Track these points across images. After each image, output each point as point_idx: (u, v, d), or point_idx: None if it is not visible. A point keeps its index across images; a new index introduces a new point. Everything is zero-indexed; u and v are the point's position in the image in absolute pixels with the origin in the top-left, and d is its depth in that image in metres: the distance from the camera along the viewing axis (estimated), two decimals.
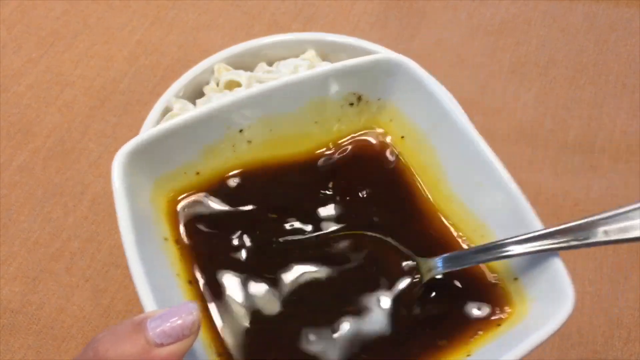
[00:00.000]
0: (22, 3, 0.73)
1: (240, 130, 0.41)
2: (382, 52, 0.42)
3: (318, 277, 0.37)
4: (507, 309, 0.36)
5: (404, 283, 0.37)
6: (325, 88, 0.42)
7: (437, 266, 0.37)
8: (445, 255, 0.37)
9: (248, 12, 0.73)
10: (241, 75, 0.58)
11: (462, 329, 0.36)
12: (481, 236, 0.39)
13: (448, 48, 0.71)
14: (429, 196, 0.41)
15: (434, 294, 0.37)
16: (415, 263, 0.38)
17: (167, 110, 0.57)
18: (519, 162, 0.62)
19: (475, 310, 0.37)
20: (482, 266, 0.38)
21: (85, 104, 0.66)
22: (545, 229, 0.35)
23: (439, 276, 0.37)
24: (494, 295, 0.37)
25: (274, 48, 0.61)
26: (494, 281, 0.38)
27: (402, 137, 0.43)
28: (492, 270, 0.38)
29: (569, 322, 0.54)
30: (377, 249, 0.38)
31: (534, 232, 0.35)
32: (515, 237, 0.35)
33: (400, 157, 0.43)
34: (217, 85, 0.59)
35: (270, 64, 0.61)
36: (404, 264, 0.38)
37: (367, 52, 0.61)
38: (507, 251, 0.35)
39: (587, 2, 0.75)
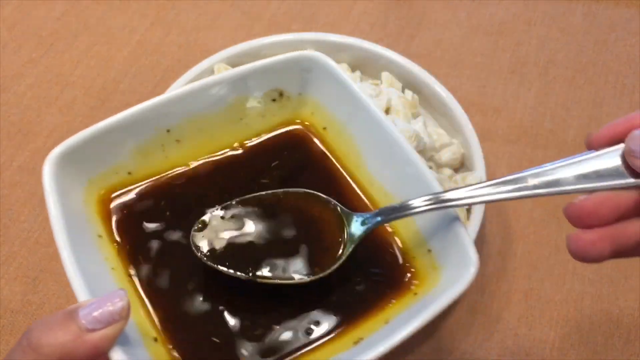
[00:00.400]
0: (22, 3, 0.73)
1: (168, 130, 0.43)
2: (308, 51, 0.45)
3: (253, 241, 0.40)
4: (422, 278, 0.40)
5: (334, 240, 0.40)
6: (247, 86, 0.45)
7: (368, 220, 0.39)
8: (376, 211, 0.40)
9: (248, 13, 0.73)
10: None
11: (380, 298, 0.39)
12: None
13: (448, 48, 0.71)
14: (351, 181, 0.44)
15: (354, 266, 0.40)
16: (345, 217, 0.40)
17: None
18: (519, 162, 0.62)
19: (392, 281, 0.40)
20: (398, 240, 0.42)
21: (85, 104, 0.66)
22: (488, 181, 0.36)
23: (361, 231, 0.39)
24: (409, 266, 0.40)
25: (273, 48, 0.61)
26: (409, 253, 0.41)
27: (324, 128, 0.46)
28: (407, 243, 0.41)
29: (569, 322, 0.54)
30: (309, 204, 0.41)
31: (480, 183, 0.36)
32: (452, 190, 0.37)
33: (323, 147, 0.46)
34: None
35: None
36: (336, 217, 0.40)
37: (367, 52, 0.61)
38: (450, 200, 0.37)
39: (586, 2, 0.75)
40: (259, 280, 0.38)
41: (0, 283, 0.55)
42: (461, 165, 0.57)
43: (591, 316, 0.54)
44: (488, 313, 0.54)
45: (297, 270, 0.38)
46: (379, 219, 0.39)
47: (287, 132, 0.46)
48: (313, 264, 0.39)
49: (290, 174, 0.44)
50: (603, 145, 0.32)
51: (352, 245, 0.39)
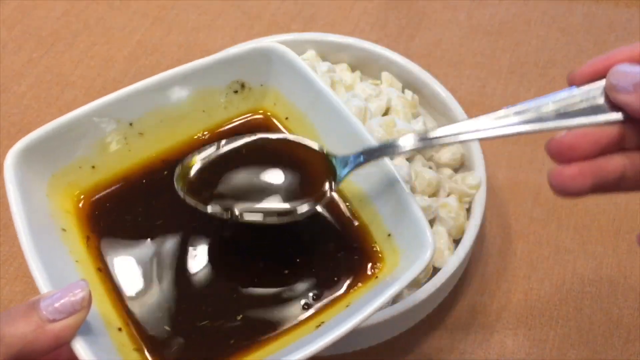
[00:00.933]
0: (22, 3, 0.73)
1: (131, 124, 0.44)
2: (265, 41, 0.47)
3: (235, 182, 0.40)
4: (382, 262, 0.41)
5: (320, 177, 0.40)
6: (209, 78, 0.45)
7: (351, 160, 0.40)
8: (358, 151, 0.40)
9: (248, 13, 0.73)
10: None
11: (344, 282, 0.40)
12: (359, 201, 0.43)
13: (448, 48, 0.71)
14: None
15: (319, 253, 0.41)
16: (328, 158, 0.40)
17: None
18: (519, 162, 0.63)
19: (355, 265, 0.41)
20: (359, 225, 0.42)
21: (85, 104, 0.66)
22: (469, 119, 0.36)
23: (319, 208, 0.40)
24: (370, 251, 0.41)
25: None
26: (371, 237, 0.42)
27: (287, 118, 0.46)
28: (368, 228, 0.42)
29: (569, 322, 0.54)
30: (291, 147, 0.41)
31: (461, 122, 0.36)
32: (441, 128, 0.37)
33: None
34: None
35: None
36: (319, 157, 0.41)
37: (367, 52, 0.61)
38: (435, 138, 0.37)
39: (586, 2, 0.75)
40: (240, 220, 0.38)
41: (0, 283, 0.55)
42: (461, 165, 0.57)
43: (591, 316, 0.54)
44: (488, 313, 0.54)
45: (283, 201, 0.39)
46: (361, 158, 0.39)
47: (250, 120, 0.47)
48: (300, 197, 0.39)
49: (256, 157, 0.44)
50: (585, 82, 0.32)
51: (339, 183, 0.39)
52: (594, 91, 0.32)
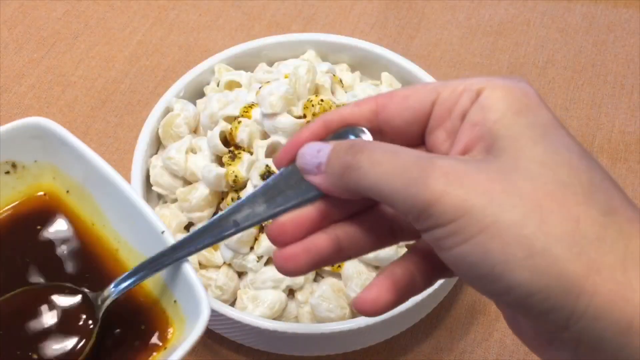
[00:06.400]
0: (23, 4, 0.73)
1: None
2: (33, 117, 0.43)
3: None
4: (170, 330, 0.39)
5: (79, 322, 0.39)
6: None
7: (111, 291, 0.39)
8: (116, 280, 0.39)
9: (248, 13, 0.74)
10: (241, 76, 0.59)
11: (136, 356, 0.39)
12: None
13: (447, 48, 0.71)
14: (95, 244, 0.43)
15: (110, 330, 0.40)
16: (87, 297, 0.39)
17: (167, 111, 0.57)
18: None
19: (144, 337, 0.39)
20: (148, 293, 0.41)
21: (86, 104, 0.66)
22: (178, 241, 0.37)
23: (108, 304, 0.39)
24: (159, 321, 0.40)
25: (274, 49, 0.62)
26: (159, 306, 0.40)
27: (67, 191, 0.44)
28: (155, 297, 0.41)
29: None
30: (44, 298, 0.39)
31: (180, 239, 0.37)
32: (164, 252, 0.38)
33: (67, 214, 0.44)
34: (218, 85, 0.59)
35: (270, 64, 0.61)
36: (75, 302, 0.39)
37: (367, 53, 0.61)
38: (160, 263, 0.38)
39: (585, 2, 0.75)
40: None
41: None
42: None
43: None
44: (488, 313, 0.55)
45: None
46: (110, 298, 0.39)
47: (26, 204, 0.44)
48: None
49: (29, 248, 0.43)
50: (285, 165, 0.34)
51: (95, 329, 0.39)
52: (294, 173, 0.33)
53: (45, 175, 0.44)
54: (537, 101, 0.30)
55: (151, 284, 0.41)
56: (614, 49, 0.71)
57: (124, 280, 0.38)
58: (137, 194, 0.41)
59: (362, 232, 0.33)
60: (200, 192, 0.52)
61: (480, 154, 0.30)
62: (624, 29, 0.73)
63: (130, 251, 0.42)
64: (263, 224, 0.50)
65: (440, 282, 0.49)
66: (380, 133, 0.33)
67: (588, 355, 0.27)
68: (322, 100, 0.52)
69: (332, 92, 0.55)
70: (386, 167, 0.29)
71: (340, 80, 0.57)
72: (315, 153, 0.32)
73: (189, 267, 0.38)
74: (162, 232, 0.39)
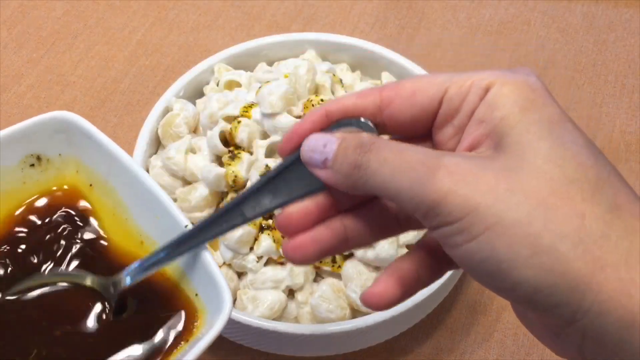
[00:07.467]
0: (22, 3, 0.73)
1: None
2: (58, 112, 0.44)
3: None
4: (196, 321, 0.40)
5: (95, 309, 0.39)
6: None
7: (123, 278, 0.39)
8: (129, 267, 0.39)
9: (248, 13, 0.73)
10: (241, 76, 0.59)
11: (163, 346, 0.39)
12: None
13: (447, 48, 0.71)
14: (118, 238, 0.43)
15: (132, 321, 0.40)
16: (96, 284, 0.40)
17: (167, 111, 0.57)
18: None
19: (170, 329, 0.39)
20: (174, 285, 0.41)
21: (85, 104, 0.66)
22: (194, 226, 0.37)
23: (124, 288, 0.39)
24: (186, 311, 0.40)
25: (274, 48, 0.61)
26: (183, 297, 0.40)
27: (90, 185, 0.44)
28: (180, 287, 0.41)
29: None
30: (67, 296, 0.40)
31: (192, 227, 0.37)
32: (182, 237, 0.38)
33: (88, 205, 0.44)
34: (217, 85, 0.59)
35: (270, 64, 0.61)
36: (90, 289, 0.40)
37: (367, 52, 0.61)
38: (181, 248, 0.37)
39: (586, 2, 0.75)
40: None
41: None
42: None
43: None
44: (488, 313, 0.55)
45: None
46: (128, 280, 0.39)
47: (52, 196, 0.45)
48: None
49: (55, 240, 0.43)
50: (288, 154, 0.34)
51: (110, 315, 0.39)
52: (299, 162, 0.33)
53: (69, 169, 0.45)
54: (544, 96, 0.30)
55: (170, 277, 0.41)
56: (614, 48, 0.71)
57: (141, 266, 0.39)
58: (160, 188, 0.41)
59: (368, 222, 0.33)
60: (200, 192, 0.52)
61: (487, 151, 0.30)
62: (624, 29, 0.73)
63: (153, 245, 0.42)
64: (262, 225, 0.50)
65: (440, 282, 0.49)
66: (384, 126, 0.33)
67: (592, 348, 0.27)
68: (322, 100, 0.52)
69: (332, 92, 0.55)
70: (393, 166, 0.29)
71: (340, 80, 0.57)
72: (321, 147, 0.32)
73: (209, 259, 0.38)
74: (186, 226, 0.39)
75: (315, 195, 0.33)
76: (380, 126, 0.33)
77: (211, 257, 0.38)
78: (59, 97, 0.66)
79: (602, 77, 0.69)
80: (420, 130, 0.33)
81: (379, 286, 0.32)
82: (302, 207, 0.33)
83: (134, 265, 0.39)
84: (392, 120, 0.33)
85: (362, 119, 0.33)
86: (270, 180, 0.34)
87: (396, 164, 0.29)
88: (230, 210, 0.34)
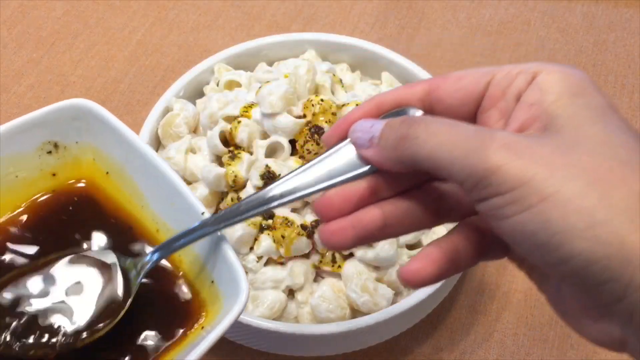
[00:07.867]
0: (22, 3, 0.73)
1: None
2: (75, 99, 0.44)
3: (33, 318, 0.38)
4: (208, 310, 0.40)
5: (113, 293, 0.39)
6: (15, 144, 0.43)
7: (149, 259, 0.39)
8: (154, 248, 0.39)
9: (248, 13, 0.73)
10: (241, 76, 0.59)
11: (170, 337, 0.39)
12: (183, 250, 0.41)
13: (447, 48, 0.71)
14: (136, 225, 0.43)
15: (145, 310, 0.40)
16: (123, 264, 0.40)
17: (167, 110, 0.57)
18: None
19: (182, 318, 0.40)
20: (184, 275, 0.41)
21: None
22: (229, 208, 0.37)
23: (147, 272, 0.39)
24: (196, 300, 0.40)
25: (274, 48, 0.62)
26: (195, 287, 0.41)
27: (107, 172, 0.45)
28: (193, 276, 0.41)
29: None
30: (82, 264, 0.40)
31: (222, 212, 0.37)
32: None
33: (107, 193, 0.45)
34: (217, 85, 0.59)
35: (270, 64, 0.61)
36: (110, 270, 0.40)
37: (367, 52, 0.61)
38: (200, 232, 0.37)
39: (586, 2, 0.75)
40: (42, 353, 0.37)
41: None
42: None
43: None
44: (488, 313, 0.55)
45: (81, 331, 0.38)
46: (156, 256, 0.39)
47: (67, 185, 0.45)
48: (97, 322, 0.38)
49: (77, 225, 0.43)
50: (336, 142, 0.34)
51: (134, 293, 0.39)
52: (344, 150, 0.34)
53: (86, 156, 0.45)
54: (592, 86, 0.31)
55: (188, 265, 0.41)
56: (614, 48, 0.71)
57: (166, 246, 0.39)
58: (177, 175, 0.41)
59: (408, 210, 0.33)
60: (200, 192, 0.52)
61: (536, 132, 0.30)
62: (624, 29, 0.73)
63: (170, 232, 0.42)
64: (263, 225, 0.50)
65: (440, 282, 0.49)
66: (432, 112, 0.34)
67: None
68: (322, 100, 0.52)
69: (332, 92, 0.55)
70: (444, 137, 0.30)
71: (340, 80, 0.57)
72: (368, 128, 0.33)
73: (227, 247, 0.38)
74: (202, 213, 0.39)
75: (355, 182, 0.33)
76: (428, 112, 0.34)
77: (229, 245, 0.39)
78: (59, 97, 0.66)
79: (602, 77, 0.69)
80: (466, 114, 0.33)
81: (416, 263, 0.32)
82: (343, 191, 0.33)
83: (155, 248, 0.39)
84: (439, 104, 0.33)
85: (412, 108, 0.34)
86: (313, 166, 0.34)
87: (447, 136, 0.29)
88: (270, 191, 0.34)
